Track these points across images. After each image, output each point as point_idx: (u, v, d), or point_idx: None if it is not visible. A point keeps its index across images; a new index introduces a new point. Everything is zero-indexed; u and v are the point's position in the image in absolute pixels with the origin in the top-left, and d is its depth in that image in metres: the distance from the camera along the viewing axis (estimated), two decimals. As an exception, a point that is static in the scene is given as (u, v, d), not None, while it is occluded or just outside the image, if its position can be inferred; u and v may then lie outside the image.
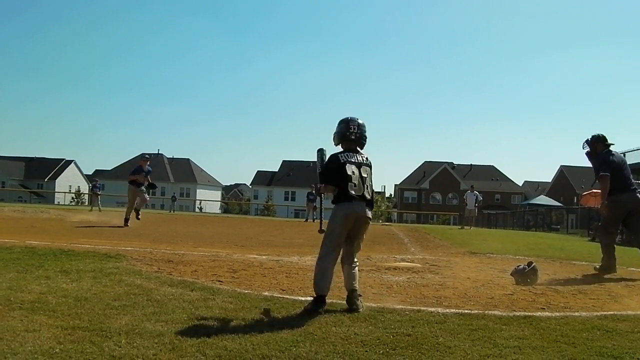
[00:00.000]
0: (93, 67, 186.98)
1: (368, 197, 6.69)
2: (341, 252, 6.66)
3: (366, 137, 6.84)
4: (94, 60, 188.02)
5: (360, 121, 6.81)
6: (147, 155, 23.12)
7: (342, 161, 6.65)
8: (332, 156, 6.76)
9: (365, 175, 6.68)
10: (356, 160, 6.69)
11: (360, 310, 6.26)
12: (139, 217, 22.07)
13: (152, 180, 22.14)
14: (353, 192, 6.58)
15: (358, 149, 6.82)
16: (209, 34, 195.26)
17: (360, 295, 6.53)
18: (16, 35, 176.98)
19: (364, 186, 6.64)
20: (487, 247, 15.47)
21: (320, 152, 6.93)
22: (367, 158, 6.82)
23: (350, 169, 6.61)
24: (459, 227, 39.09)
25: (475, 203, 36.26)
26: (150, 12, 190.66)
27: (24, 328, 4.96)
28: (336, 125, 6.87)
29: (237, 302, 6.47)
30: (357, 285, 6.58)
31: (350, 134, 6.74)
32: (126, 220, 21.24)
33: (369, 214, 6.68)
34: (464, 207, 38.03)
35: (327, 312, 6.13)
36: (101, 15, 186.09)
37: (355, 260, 6.75)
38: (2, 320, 5.19)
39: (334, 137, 6.88)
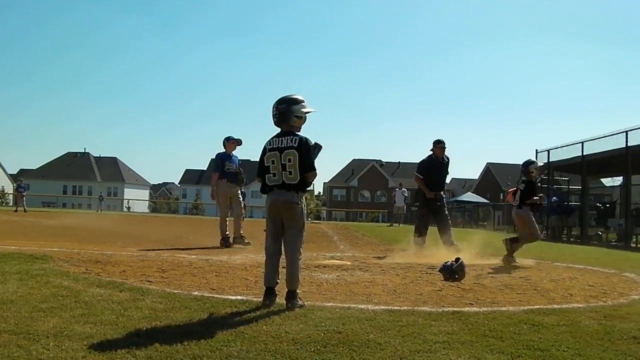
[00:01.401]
0: (15, 65, 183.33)
1: (288, 182, 6.57)
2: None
3: (288, 113, 6.66)
4: (16, 58, 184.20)
5: (287, 98, 6.72)
6: (234, 138, 15.36)
7: (265, 151, 6.69)
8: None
9: (285, 162, 6.55)
10: (279, 145, 6.63)
11: (296, 309, 6.22)
12: (243, 239, 14.94)
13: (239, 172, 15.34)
14: (272, 183, 6.64)
15: (294, 130, 6.74)
16: (134, 31, 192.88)
17: (292, 297, 6.43)
18: None
19: (282, 173, 6.57)
20: (416, 243, 15.60)
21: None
22: (295, 140, 6.60)
23: (270, 159, 6.62)
24: (388, 224, 39.42)
25: (404, 200, 36.81)
26: (75, 10, 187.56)
27: (-53, 333, 4.84)
28: None
29: (166, 302, 6.40)
30: (293, 285, 6.51)
31: (274, 117, 6.71)
32: (225, 239, 14.81)
33: (289, 196, 6.61)
34: (393, 204, 38.52)
35: (258, 311, 6.14)
36: (25, 14, 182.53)
37: (296, 254, 6.63)
38: None
39: None
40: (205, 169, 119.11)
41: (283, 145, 6.60)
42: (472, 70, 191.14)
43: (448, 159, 14.24)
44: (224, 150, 15.31)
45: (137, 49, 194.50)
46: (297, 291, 6.55)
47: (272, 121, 6.76)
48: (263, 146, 6.78)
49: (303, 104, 6.74)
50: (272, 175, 6.61)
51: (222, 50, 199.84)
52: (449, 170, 14.59)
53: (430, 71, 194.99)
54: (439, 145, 13.96)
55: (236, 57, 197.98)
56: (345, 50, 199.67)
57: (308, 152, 6.61)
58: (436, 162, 14.01)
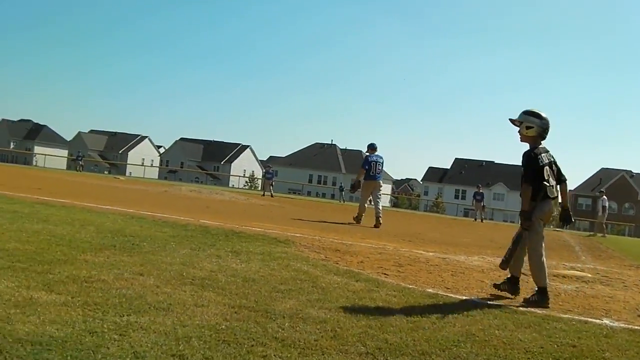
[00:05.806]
0: (276, 66, 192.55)
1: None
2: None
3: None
4: (278, 60, 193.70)
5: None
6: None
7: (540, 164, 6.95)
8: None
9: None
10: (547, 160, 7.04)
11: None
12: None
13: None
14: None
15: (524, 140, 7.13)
16: (395, 38, 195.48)
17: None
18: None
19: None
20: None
21: None
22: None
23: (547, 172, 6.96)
24: (600, 234, 37.10)
25: (602, 211, 35.06)
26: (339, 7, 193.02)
27: (194, 302, 5.17)
28: (533, 117, 7.04)
29: (400, 296, 6.47)
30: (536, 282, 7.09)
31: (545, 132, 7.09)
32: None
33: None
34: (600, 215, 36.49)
35: (491, 315, 6.05)
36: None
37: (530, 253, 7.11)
38: (174, 294, 5.42)
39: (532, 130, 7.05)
40: (448, 167, 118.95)
41: (549, 160, 7.13)
42: None
43: None
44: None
45: (406, 54, 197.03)
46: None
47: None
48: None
49: (535, 119, 7.04)
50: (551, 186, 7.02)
51: (467, 44, 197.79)
52: None
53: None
54: None
55: (482, 54, 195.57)
56: (604, 56, 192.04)
57: (526, 165, 6.99)
58: None
